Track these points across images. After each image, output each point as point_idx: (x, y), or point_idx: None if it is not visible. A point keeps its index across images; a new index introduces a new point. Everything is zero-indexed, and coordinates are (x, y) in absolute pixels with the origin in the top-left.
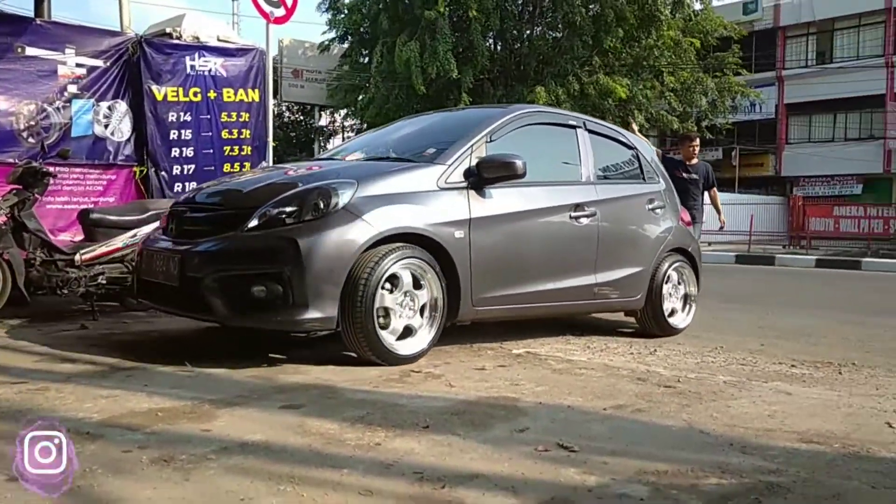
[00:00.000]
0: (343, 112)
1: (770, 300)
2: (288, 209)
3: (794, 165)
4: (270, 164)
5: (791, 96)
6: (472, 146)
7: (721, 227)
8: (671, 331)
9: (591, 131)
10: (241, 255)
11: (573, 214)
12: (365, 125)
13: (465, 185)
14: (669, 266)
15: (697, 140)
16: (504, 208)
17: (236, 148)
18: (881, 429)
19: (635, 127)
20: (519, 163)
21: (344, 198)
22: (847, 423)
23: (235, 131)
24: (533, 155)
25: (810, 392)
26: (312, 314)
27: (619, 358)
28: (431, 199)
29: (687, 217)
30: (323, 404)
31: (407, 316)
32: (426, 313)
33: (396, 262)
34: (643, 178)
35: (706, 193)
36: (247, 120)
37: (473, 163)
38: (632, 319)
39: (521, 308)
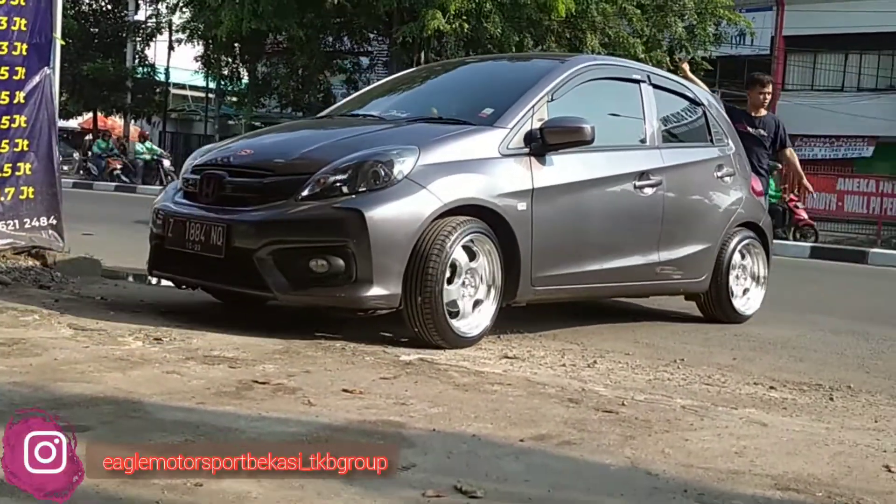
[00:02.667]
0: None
1: None
2: (345, 177)
3: (793, 119)
4: (57, 69)
5: (792, 26)
6: (533, 107)
7: (805, 197)
8: (736, 317)
9: (655, 86)
10: (299, 225)
11: (638, 184)
12: (212, 38)
13: (526, 151)
14: (738, 243)
15: (770, 87)
16: (567, 177)
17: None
18: (877, 473)
19: (686, 67)
20: (588, 128)
21: (406, 166)
22: (835, 466)
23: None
24: (595, 115)
25: (791, 423)
26: (377, 291)
27: (545, 370)
28: (493, 167)
29: (759, 186)
30: (121, 427)
31: (469, 294)
32: (488, 292)
33: (466, 237)
34: (711, 140)
35: (773, 154)
36: (20, 4)
37: (536, 126)
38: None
39: (580, 289)
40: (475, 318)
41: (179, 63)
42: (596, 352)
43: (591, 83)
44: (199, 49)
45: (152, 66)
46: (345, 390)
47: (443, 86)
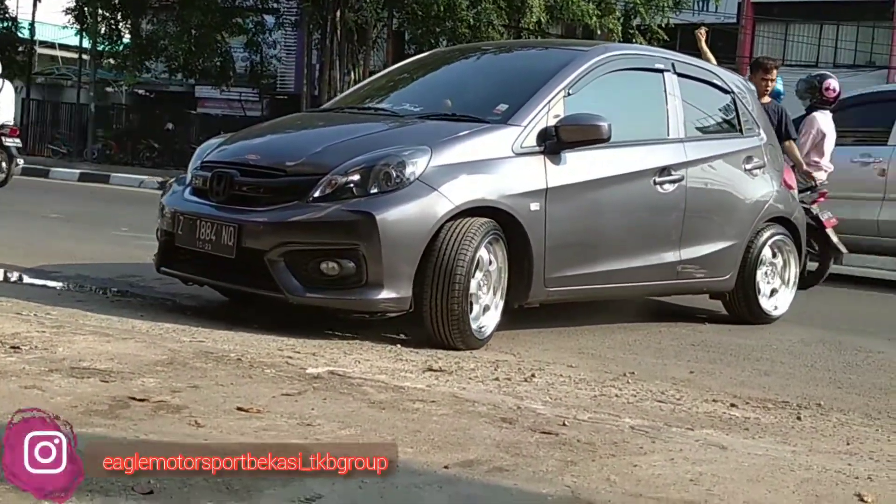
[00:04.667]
0: None
1: (708, 305)
2: (357, 178)
3: None
4: None
5: None
6: (549, 102)
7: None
8: (764, 318)
9: (680, 74)
10: (310, 227)
11: (658, 180)
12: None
13: (540, 149)
14: (767, 239)
15: (775, 72)
16: (582, 175)
17: None
18: (848, 502)
19: (703, 35)
20: (605, 126)
21: (418, 167)
22: (802, 494)
23: None
24: (614, 108)
25: (754, 446)
26: (387, 294)
27: (475, 385)
28: (506, 166)
29: (791, 179)
30: None
31: (484, 295)
32: (495, 293)
33: (488, 237)
34: (740, 130)
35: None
36: None
37: (551, 123)
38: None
39: (596, 289)
40: (486, 318)
41: (47, 17)
42: (534, 363)
43: (611, 75)
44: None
45: (13, 19)
46: (240, 409)
47: (457, 75)
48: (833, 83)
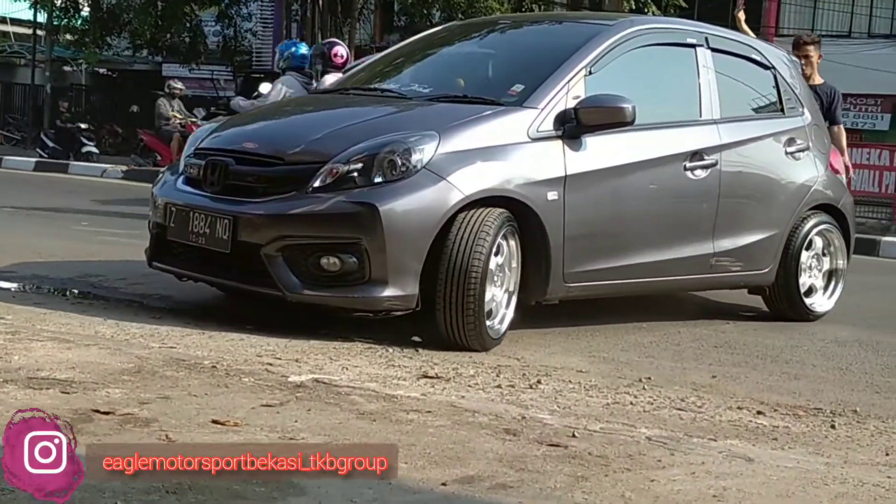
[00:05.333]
0: None
1: (733, 301)
2: (360, 166)
3: None
4: None
5: None
6: (568, 83)
7: (848, 182)
8: (807, 314)
9: (714, 49)
10: (309, 220)
11: (689, 165)
12: None
13: (559, 133)
14: (811, 229)
15: (812, 47)
16: (604, 161)
17: None
18: None
19: (742, 16)
20: (628, 108)
21: (425, 154)
22: None
23: None
24: (641, 88)
25: (783, 458)
26: (392, 291)
27: (476, 393)
28: (521, 153)
29: (838, 163)
30: None
31: (498, 291)
32: (511, 288)
33: (503, 230)
34: (782, 110)
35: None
36: None
37: (570, 105)
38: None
39: (622, 285)
40: (500, 316)
41: None
42: (540, 368)
43: (638, 51)
44: None
45: None
46: (215, 421)
47: (472, 52)
48: (340, 50)
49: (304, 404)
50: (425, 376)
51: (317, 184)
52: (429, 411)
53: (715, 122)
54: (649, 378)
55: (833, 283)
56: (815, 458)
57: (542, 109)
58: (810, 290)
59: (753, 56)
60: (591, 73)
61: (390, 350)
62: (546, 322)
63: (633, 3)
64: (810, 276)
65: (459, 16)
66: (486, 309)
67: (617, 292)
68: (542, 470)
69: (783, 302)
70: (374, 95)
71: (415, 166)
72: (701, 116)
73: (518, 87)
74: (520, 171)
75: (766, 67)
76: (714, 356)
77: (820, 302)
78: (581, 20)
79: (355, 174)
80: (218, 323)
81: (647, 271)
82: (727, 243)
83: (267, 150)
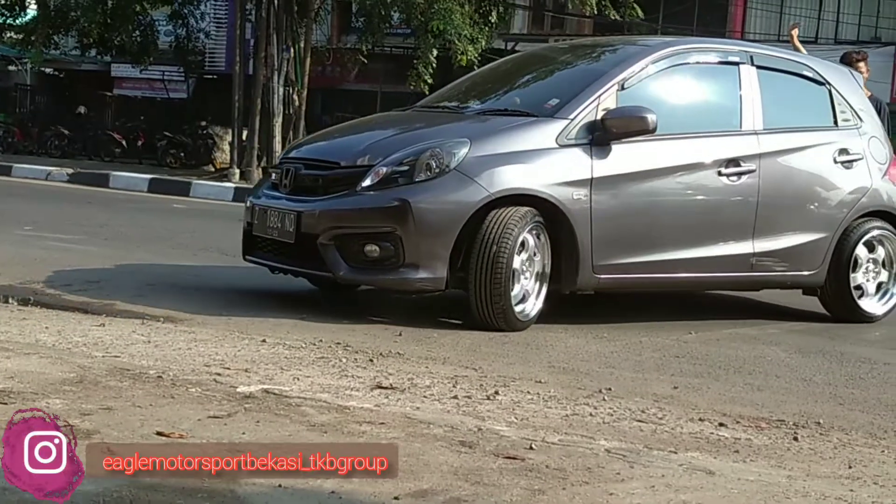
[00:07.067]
0: None
1: (695, 309)
2: (401, 169)
3: None
4: None
5: None
6: (598, 97)
7: None
8: (861, 316)
9: (760, 67)
10: (356, 213)
11: (724, 171)
12: None
13: (587, 141)
14: (864, 233)
15: (863, 64)
16: (632, 166)
17: None
18: None
19: (795, 33)
20: (650, 117)
21: (457, 158)
22: None
23: None
24: (674, 102)
25: (745, 470)
26: (424, 274)
27: (431, 404)
28: (548, 157)
29: None
30: None
31: (527, 279)
32: (539, 279)
33: (530, 224)
34: (835, 123)
35: None
36: None
37: (599, 116)
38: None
39: (655, 279)
40: (529, 303)
41: None
42: (498, 379)
43: (675, 69)
44: None
45: None
46: (160, 433)
47: (529, 73)
48: None
49: (253, 416)
50: (379, 387)
51: (366, 183)
52: (382, 423)
53: (755, 132)
54: (609, 389)
55: (891, 286)
56: (777, 470)
57: (572, 120)
58: (866, 293)
59: (805, 73)
60: (623, 88)
61: (343, 360)
62: (504, 332)
63: (594, 7)
64: (863, 278)
65: (419, 16)
66: (517, 295)
67: (651, 286)
68: (498, 483)
69: (837, 304)
70: (435, 112)
71: (447, 168)
72: (741, 127)
73: (554, 101)
74: (546, 173)
75: (819, 83)
76: (676, 367)
77: (875, 304)
78: (630, 43)
79: (398, 175)
80: (165, 332)
81: (682, 267)
82: (768, 244)
83: (328, 157)
